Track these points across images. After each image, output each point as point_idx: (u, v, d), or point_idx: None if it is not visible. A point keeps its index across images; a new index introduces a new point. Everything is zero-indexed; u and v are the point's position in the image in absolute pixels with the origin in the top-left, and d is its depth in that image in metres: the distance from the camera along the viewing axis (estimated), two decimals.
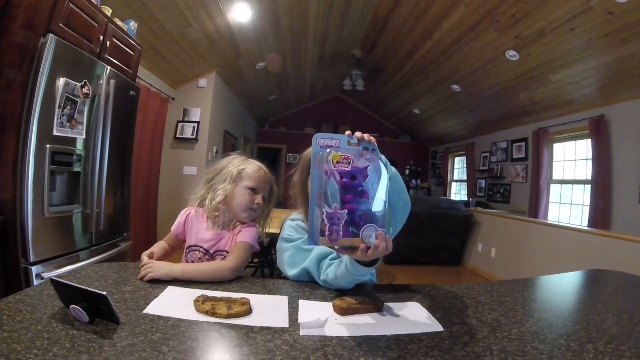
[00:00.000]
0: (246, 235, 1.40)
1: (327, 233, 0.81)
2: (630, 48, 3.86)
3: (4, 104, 2.03)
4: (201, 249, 1.42)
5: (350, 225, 0.83)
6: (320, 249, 1.19)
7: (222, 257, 1.40)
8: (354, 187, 0.83)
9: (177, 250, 1.55)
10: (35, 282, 2.01)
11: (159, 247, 1.47)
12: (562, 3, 3.68)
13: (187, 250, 1.46)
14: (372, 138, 0.92)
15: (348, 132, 0.91)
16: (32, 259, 2.04)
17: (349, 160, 0.83)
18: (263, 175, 1.49)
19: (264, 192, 1.48)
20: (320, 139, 0.87)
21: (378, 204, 0.85)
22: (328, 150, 0.84)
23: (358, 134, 0.91)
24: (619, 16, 3.52)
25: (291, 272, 1.24)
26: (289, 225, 1.35)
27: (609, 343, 0.82)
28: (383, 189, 0.85)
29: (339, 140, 0.89)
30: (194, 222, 1.49)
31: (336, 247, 0.87)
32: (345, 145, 0.89)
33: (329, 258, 1.17)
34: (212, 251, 1.42)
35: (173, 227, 1.52)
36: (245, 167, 1.47)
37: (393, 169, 0.89)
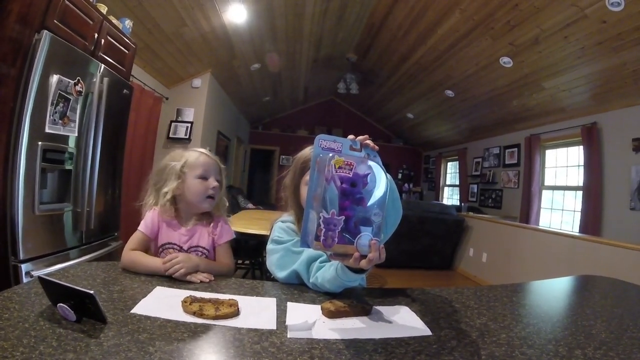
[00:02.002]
0: (225, 236, 1.48)
1: (322, 238, 0.79)
2: (623, 56, 3.90)
3: None
4: (175, 247, 1.40)
5: (344, 231, 0.81)
6: (310, 252, 1.18)
7: (198, 253, 1.40)
8: (352, 194, 0.81)
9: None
10: (25, 280, 1.99)
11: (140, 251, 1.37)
12: (557, 11, 3.72)
13: (161, 249, 1.41)
14: (375, 146, 0.91)
15: (351, 137, 0.90)
16: (21, 256, 2.02)
17: (351, 167, 0.81)
18: (206, 159, 1.46)
19: (214, 175, 1.46)
20: (323, 141, 0.85)
21: (374, 213, 0.83)
22: (330, 154, 0.81)
23: (361, 139, 0.90)
24: (612, 25, 3.56)
25: (280, 274, 1.23)
26: (279, 227, 1.34)
27: (598, 349, 0.82)
28: (381, 197, 0.83)
29: (342, 144, 0.87)
30: (163, 221, 1.43)
31: (329, 253, 0.86)
32: (347, 150, 0.87)
33: (318, 261, 1.17)
34: (185, 247, 1.40)
35: (143, 229, 1.41)
36: (187, 159, 1.44)
37: (388, 175, 0.88)
